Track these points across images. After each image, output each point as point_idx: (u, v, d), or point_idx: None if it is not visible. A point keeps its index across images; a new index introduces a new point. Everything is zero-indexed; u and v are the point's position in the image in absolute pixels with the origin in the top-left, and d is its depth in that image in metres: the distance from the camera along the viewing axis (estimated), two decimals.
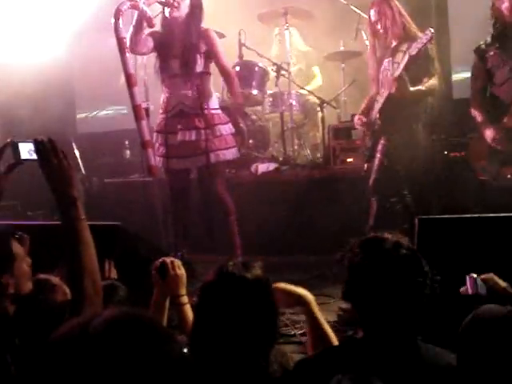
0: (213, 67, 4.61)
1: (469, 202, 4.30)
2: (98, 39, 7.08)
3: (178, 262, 2.47)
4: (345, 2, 6.21)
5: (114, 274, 2.86)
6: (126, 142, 6.87)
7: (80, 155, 6.37)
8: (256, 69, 6.08)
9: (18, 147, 2.06)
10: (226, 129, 4.54)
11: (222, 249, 4.63)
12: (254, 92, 6.03)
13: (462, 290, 2.24)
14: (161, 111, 4.57)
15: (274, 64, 6.13)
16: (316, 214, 5.27)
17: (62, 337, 1.12)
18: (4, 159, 2.21)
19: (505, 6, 4.12)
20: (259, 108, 6.43)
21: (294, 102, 6.19)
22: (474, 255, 2.54)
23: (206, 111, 4.39)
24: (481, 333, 1.64)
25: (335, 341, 2.20)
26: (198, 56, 4.42)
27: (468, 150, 4.41)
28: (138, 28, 4.33)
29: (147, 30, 4.42)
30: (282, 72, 6.12)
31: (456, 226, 2.67)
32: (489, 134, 4.18)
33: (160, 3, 4.35)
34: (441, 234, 2.64)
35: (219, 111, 4.57)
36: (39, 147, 1.91)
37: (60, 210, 1.89)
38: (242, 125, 4.71)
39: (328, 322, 3.32)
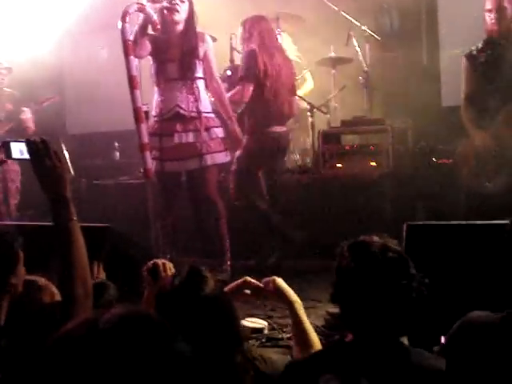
0: None
1: (456, 208, 4.33)
2: (89, 39, 7.10)
3: (169, 264, 2.48)
4: (336, 9, 6.24)
5: (102, 275, 2.86)
6: (116, 144, 6.87)
7: (69, 156, 6.36)
8: None
9: (9, 146, 2.06)
10: (220, 132, 4.59)
11: (210, 252, 4.65)
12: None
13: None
14: (154, 114, 4.58)
15: None
16: (304, 218, 5.29)
17: (71, 333, 1.11)
18: None
19: (490, 17, 4.17)
20: None
21: None
22: (461, 262, 2.57)
23: (201, 114, 4.46)
24: (470, 338, 1.66)
25: (318, 345, 2.21)
26: (197, 61, 4.49)
27: (456, 156, 4.44)
28: (143, 31, 4.37)
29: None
30: None
31: (444, 233, 2.69)
32: (479, 138, 4.22)
33: (165, 8, 4.40)
34: (428, 240, 2.66)
35: (213, 114, 4.61)
36: (32, 147, 1.91)
37: (52, 210, 1.90)
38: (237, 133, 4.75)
39: (315, 327, 3.37)
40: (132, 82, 4.19)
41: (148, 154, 4.27)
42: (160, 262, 2.46)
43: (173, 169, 4.54)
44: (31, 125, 5.74)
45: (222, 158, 4.59)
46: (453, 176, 4.45)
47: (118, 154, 6.85)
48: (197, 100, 4.45)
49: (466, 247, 2.58)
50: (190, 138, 4.45)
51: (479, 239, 2.58)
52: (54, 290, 2.37)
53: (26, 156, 1.96)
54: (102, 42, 7.00)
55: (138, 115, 4.19)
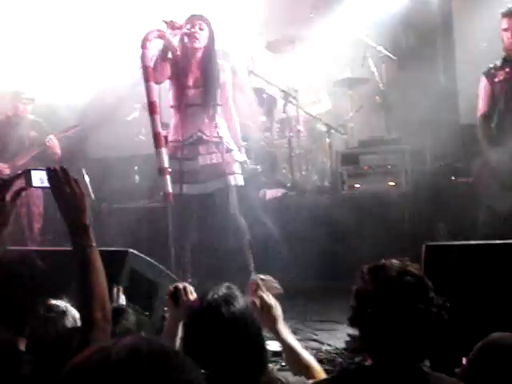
0: None
1: (477, 227, 4.31)
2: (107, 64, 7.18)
3: (190, 288, 2.50)
4: (352, 30, 6.28)
5: (122, 299, 2.88)
6: (136, 168, 6.92)
7: (90, 180, 6.42)
8: (264, 95, 6.15)
9: (30, 175, 2.10)
10: (239, 156, 4.74)
11: (235, 272, 4.64)
12: (263, 118, 6.09)
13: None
14: (174, 138, 4.62)
15: (282, 91, 6.20)
16: (324, 239, 5.27)
17: (83, 362, 1.13)
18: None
19: (507, 36, 4.18)
20: (268, 134, 6.48)
21: (301, 129, 6.24)
22: (482, 282, 2.55)
23: (223, 139, 4.61)
24: (491, 360, 1.64)
25: (312, 363, 2.21)
26: (218, 88, 4.62)
27: (474, 175, 4.43)
28: (163, 57, 4.46)
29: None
30: (290, 99, 6.18)
31: (463, 253, 2.68)
32: (493, 156, 4.21)
33: (185, 35, 4.48)
34: (448, 261, 2.64)
35: (230, 139, 4.71)
36: (52, 175, 1.95)
37: (71, 236, 1.93)
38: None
39: (336, 349, 3.36)
40: (152, 108, 4.23)
41: (168, 178, 4.28)
42: (181, 285, 2.48)
43: (193, 191, 4.59)
44: (57, 151, 5.81)
45: (239, 180, 4.71)
46: (472, 194, 4.43)
47: (137, 177, 6.90)
48: (217, 126, 4.60)
49: (487, 267, 2.57)
50: (214, 159, 4.58)
51: (500, 259, 2.56)
52: (76, 314, 2.39)
53: (47, 184, 1.99)
54: (119, 67, 7.08)
55: (158, 140, 4.22)
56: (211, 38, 4.58)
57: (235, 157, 4.68)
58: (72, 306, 2.50)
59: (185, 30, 4.46)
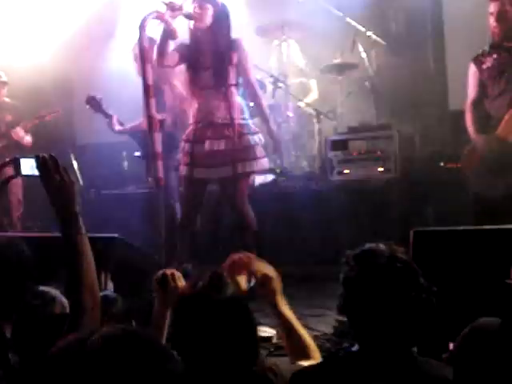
0: None
1: (465, 213, 4.32)
2: (100, 48, 7.12)
3: (178, 274, 2.49)
4: (341, 14, 6.25)
5: (110, 285, 2.87)
6: (124, 154, 6.89)
7: (78, 166, 6.39)
8: None
9: (19, 163, 2.08)
10: (255, 139, 4.47)
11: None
12: (251, 104, 6.05)
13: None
14: (190, 121, 4.57)
15: (271, 76, 6.17)
16: (313, 224, 5.29)
17: (60, 352, 1.13)
18: None
19: (492, 16, 4.17)
20: (256, 119, 6.45)
21: (290, 114, 6.22)
22: (470, 267, 2.56)
23: (234, 121, 4.39)
24: (478, 345, 1.65)
25: (309, 341, 2.20)
26: (230, 67, 4.40)
27: (461, 160, 4.43)
28: (165, 40, 4.33)
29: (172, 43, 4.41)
30: (279, 84, 6.16)
31: (451, 238, 2.68)
32: (481, 143, 4.21)
33: (184, 16, 4.34)
34: (436, 247, 2.65)
35: (249, 121, 4.53)
36: (41, 163, 1.94)
37: (61, 224, 1.93)
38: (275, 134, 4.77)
39: (325, 334, 3.37)
40: (148, 91, 4.15)
41: (160, 163, 4.23)
42: (169, 271, 2.47)
43: (203, 176, 4.49)
44: (25, 142, 5.75)
45: (255, 165, 4.46)
46: (461, 181, 4.43)
47: (126, 163, 6.87)
48: (230, 107, 4.37)
49: (474, 252, 2.57)
50: (222, 145, 4.39)
51: (487, 244, 2.57)
52: (65, 301, 2.39)
53: (36, 172, 1.98)
54: (108, 51, 7.03)
55: (152, 123, 4.15)
56: (217, 16, 4.38)
57: (251, 141, 4.42)
58: (60, 292, 2.49)
59: (184, 11, 4.29)
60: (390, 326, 1.70)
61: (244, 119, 4.48)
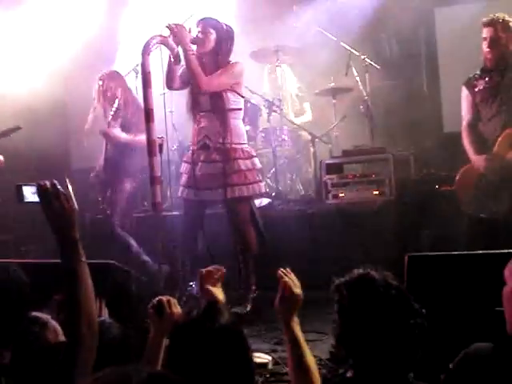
0: None
1: (459, 236, 4.33)
2: (90, 72, 7.15)
3: (174, 301, 2.49)
4: (335, 39, 6.31)
5: (105, 312, 2.86)
6: None
7: (73, 191, 6.37)
8: (248, 105, 6.15)
9: (21, 190, 2.09)
10: (248, 164, 4.51)
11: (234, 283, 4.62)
12: (247, 128, 6.09)
13: None
14: (190, 143, 4.72)
15: (266, 100, 6.21)
16: (308, 248, 5.28)
17: None
18: None
19: (484, 42, 4.22)
20: (252, 143, 6.48)
21: (286, 138, 6.25)
22: (464, 292, 2.56)
23: (228, 145, 4.43)
24: (470, 371, 1.65)
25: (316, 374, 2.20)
26: (227, 92, 4.46)
27: (456, 183, 4.45)
28: (172, 64, 4.41)
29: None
30: (274, 108, 6.20)
31: (445, 263, 2.69)
32: (480, 162, 4.23)
33: (191, 42, 4.40)
34: (430, 272, 2.65)
35: (244, 146, 4.56)
36: (42, 191, 1.95)
37: (61, 251, 1.93)
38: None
39: (320, 360, 3.35)
40: (149, 115, 4.17)
41: (158, 188, 4.23)
42: (165, 298, 2.48)
43: (197, 197, 4.56)
44: None
45: (245, 191, 4.48)
46: (456, 203, 4.44)
47: None
48: (225, 131, 4.42)
49: (469, 277, 2.57)
50: (213, 169, 4.46)
51: (482, 269, 2.57)
52: (57, 327, 2.37)
53: (37, 199, 2.00)
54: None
55: (152, 148, 4.16)
56: (220, 40, 4.46)
57: (242, 166, 4.46)
58: (52, 318, 2.48)
59: (191, 37, 4.37)
60: (386, 353, 1.70)
61: (239, 144, 4.51)
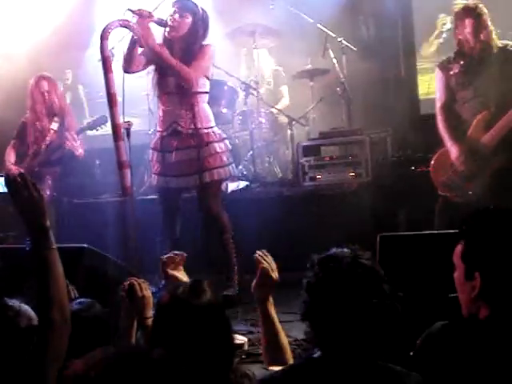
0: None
1: (434, 217, 4.36)
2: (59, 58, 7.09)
3: (145, 284, 2.50)
4: (312, 21, 6.29)
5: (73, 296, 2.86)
6: (97, 162, 6.85)
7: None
8: (225, 88, 6.14)
9: None
10: (222, 146, 4.49)
11: (216, 267, 4.63)
12: (224, 110, 6.08)
13: None
14: (157, 128, 4.61)
15: (243, 83, 6.20)
16: (285, 230, 5.30)
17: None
18: None
19: (467, 31, 4.20)
20: (229, 126, 6.47)
21: (263, 120, 6.25)
22: (435, 272, 2.59)
23: (199, 130, 4.40)
24: (432, 350, 1.67)
25: (287, 348, 2.23)
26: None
27: (431, 166, 4.47)
28: (132, 48, 4.31)
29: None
30: (251, 91, 6.18)
31: (416, 243, 2.71)
32: (453, 151, 4.24)
33: (156, 23, 4.33)
34: (402, 251, 2.68)
35: (214, 129, 4.53)
36: (9, 181, 1.95)
37: (31, 239, 1.94)
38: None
39: (296, 340, 3.38)
40: (111, 100, 4.13)
41: (127, 172, 4.21)
42: (136, 281, 2.48)
43: (174, 185, 4.52)
44: None
45: (222, 173, 4.49)
46: (432, 184, 4.47)
47: (98, 172, 6.83)
48: (195, 116, 4.37)
49: (440, 256, 2.59)
50: (188, 155, 4.41)
51: (452, 248, 2.59)
52: (31, 313, 2.37)
53: (5, 189, 2.00)
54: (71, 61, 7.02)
55: (117, 133, 4.14)
56: (195, 24, 4.37)
57: (217, 149, 4.44)
58: (26, 304, 2.47)
59: (155, 19, 4.30)
60: (351, 332, 1.69)
61: (210, 127, 4.50)
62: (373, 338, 1.72)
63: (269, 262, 2.42)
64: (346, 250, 1.83)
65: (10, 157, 5.66)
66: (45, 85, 5.63)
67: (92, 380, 1.19)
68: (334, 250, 1.86)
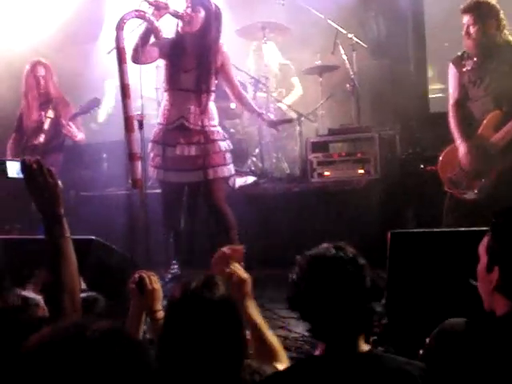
0: None
1: (442, 215, 4.33)
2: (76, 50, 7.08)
3: (155, 277, 2.49)
4: (322, 17, 6.27)
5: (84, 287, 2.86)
6: (104, 155, 6.85)
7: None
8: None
9: (5, 166, 2.07)
10: (225, 145, 4.55)
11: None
12: (232, 105, 6.06)
13: None
14: (160, 121, 4.57)
15: (252, 78, 6.18)
16: (293, 226, 5.28)
17: (57, 334, 1.15)
18: None
19: (475, 29, 4.16)
20: (238, 121, 6.46)
21: (272, 116, 6.22)
22: (445, 269, 2.57)
23: (206, 127, 4.43)
24: (444, 346, 1.66)
25: (276, 344, 2.22)
26: (212, 74, 4.44)
27: (438, 164, 4.44)
28: (145, 39, 4.29)
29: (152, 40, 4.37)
30: (260, 86, 6.16)
31: (427, 240, 2.69)
32: (462, 148, 4.22)
33: (172, 15, 4.31)
34: (412, 248, 2.66)
35: (219, 128, 4.57)
36: (26, 167, 1.94)
37: (45, 227, 1.93)
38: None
39: (303, 336, 3.37)
40: (125, 91, 4.09)
41: (138, 164, 4.16)
42: (146, 274, 2.47)
43: (174, 179, 4.52)
44: None
45: (226, 171, 4.53)
46: (440, 182, 4.45)
47: (106, 164, 6.82)
48: (203, 113, 4.41)
49: (450, 254, 2.58)
50: (193, 151, 4.42)
51: (463, 246, 2.58)
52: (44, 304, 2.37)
53: (21, 175, 1.98)
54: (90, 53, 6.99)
55: (130, 124, 4.10)
56: (208, 20, 4.36)
57: (222, 147, 4.49)
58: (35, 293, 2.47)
59: (171, 10, 4.27)
60: (337, 315, 1.73)
61: (215, 126, 4.53)
62: (360, 318, 1.76)
63: (235, 265, 2.38)
64: (328, 245, 1.86)
65: (12, 150, 5.63)
66: (41, 70, 5.53)
67: (27, 357, 1.18)
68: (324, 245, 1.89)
